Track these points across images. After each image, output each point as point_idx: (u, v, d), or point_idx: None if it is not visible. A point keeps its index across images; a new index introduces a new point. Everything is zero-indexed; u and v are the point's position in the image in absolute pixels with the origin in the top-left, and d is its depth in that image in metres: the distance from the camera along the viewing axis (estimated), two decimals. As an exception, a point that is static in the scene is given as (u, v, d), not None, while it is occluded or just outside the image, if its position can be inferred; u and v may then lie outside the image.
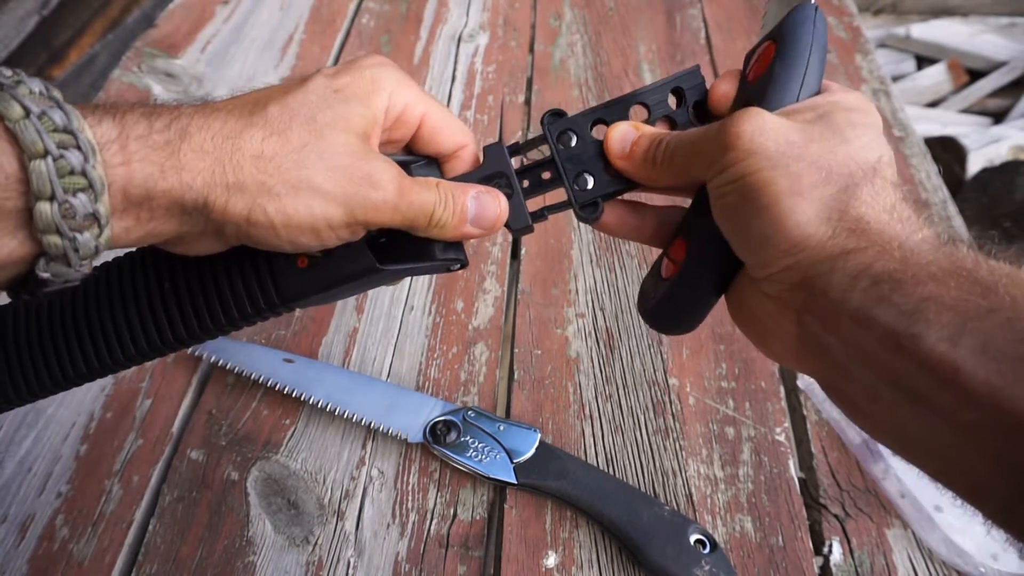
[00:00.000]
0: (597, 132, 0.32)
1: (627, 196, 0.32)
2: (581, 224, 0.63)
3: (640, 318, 0.56)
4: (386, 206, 0.28)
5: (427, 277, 0.58)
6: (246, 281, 0.30)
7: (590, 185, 0.31)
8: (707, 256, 0.28)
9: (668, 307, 0.30)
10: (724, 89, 0.30)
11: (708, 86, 0.31)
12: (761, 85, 0.28)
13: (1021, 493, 0.19)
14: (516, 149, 0.32)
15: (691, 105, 0.31)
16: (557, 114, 0.32)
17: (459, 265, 0.31)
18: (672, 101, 0.32)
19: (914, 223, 0.24)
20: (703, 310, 0.30)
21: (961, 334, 0.20)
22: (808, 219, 0.24)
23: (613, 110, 0.32)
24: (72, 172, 0.22)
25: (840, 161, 0.25)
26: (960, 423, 0.20)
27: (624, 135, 0.31)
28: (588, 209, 0.31)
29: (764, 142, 0.25)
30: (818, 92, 0.28)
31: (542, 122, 0.32)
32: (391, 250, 0.30)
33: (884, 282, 0.22)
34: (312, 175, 0.27)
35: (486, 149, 0.32)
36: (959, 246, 0.23)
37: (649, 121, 0.32)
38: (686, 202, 0.31)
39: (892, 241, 0.23)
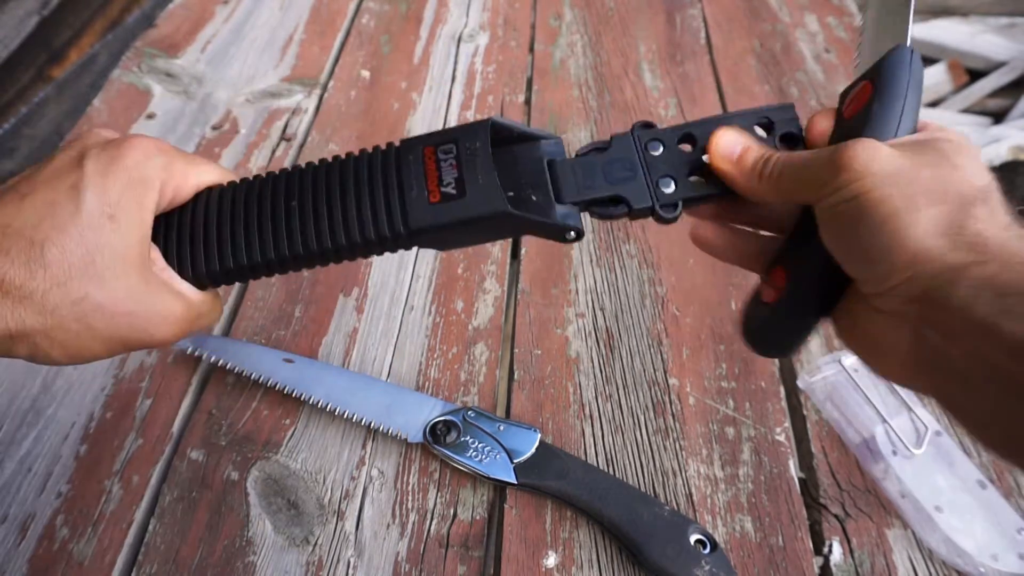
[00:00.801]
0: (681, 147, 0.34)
1: (738, 225, 0.34)
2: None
3: (640, 318, 0.56)
4: (165, 343, 0.31)
5: (427, 276, 0.58)
6: (375, 206, 0.31)
7: (671, 189, 0.32)
8: (812, 280, 0.29)
9: (774, 331, 0.32)
10: (823, 126, 0.32)
11: (801, 123, 0.33)
12: (859, 122, 0.29)
13: None
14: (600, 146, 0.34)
15: (779, 136, 0.33)
16: (647, 125, 0.34)
17: (575, 235, 0.32)
18: (759, 130, 0.33)
19: None
20: (808, 332, 0.31)
21: None
22: (927, 232, 0.25)
23: (703, 128, 0.33)
24: None
25: (952, 184, 0.26)
26: None
27: (734, 141, 0.32)
28: (667, 209, 0.32)
29: (879, 165, 0.26)
30: (914, 131, 0.29)
31: (632, 131, 0.33)
32: (519, 202, 0.31)
33: (1010, 295, 0.22)
34: (93, 325, 0.29)
35: (615, 138, 0.33)
36: None
37: None
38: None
39: (1014, 256, 0.24)
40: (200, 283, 0.33)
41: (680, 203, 0.32)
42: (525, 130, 0.33)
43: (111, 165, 0.30)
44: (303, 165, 0.33)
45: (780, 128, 0.33)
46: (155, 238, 0.32)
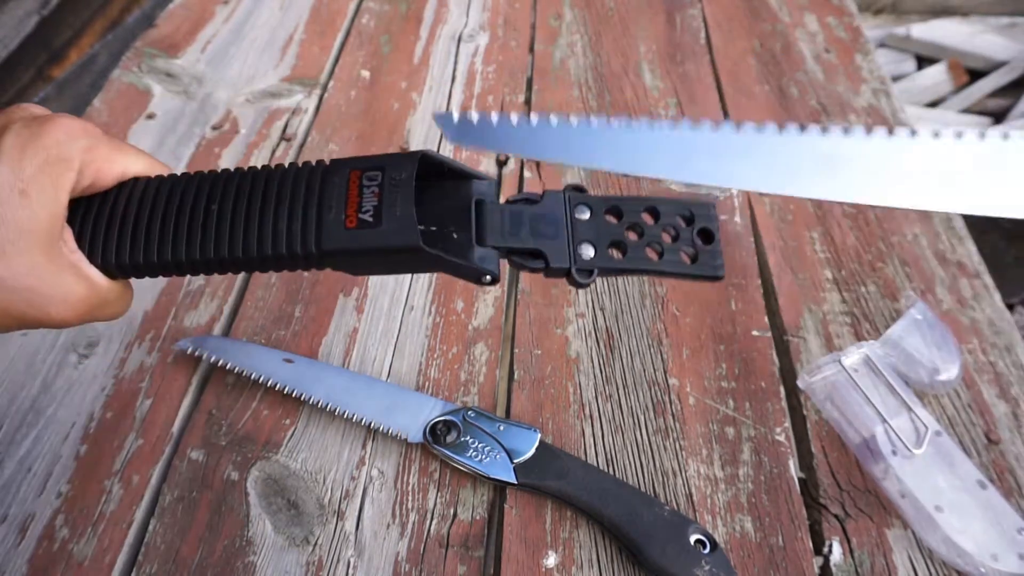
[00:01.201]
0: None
1: None
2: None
3: (640, 318, 0.56)
4: (63, 324, 0.31)
5: (427, 277, 0.58)
6: (290, 221, 0.31)
7: (590, 255, 0.33)
8: None
9: None
10: None
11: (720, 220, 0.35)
12: None
13: None
14: (530, 199, 0.35)
15: (697, 230, 0.34)
16: (578, 189, 0.34)
17: (490, 279, 0.32)
18: (679, 220, 0.35)
19: None
20: None
21: None
22: None
23: (631, 205, 0.34)
24: None
25: None
26: None
27: None
28: (582, 274, 0.33)
29: None
30: None
31: (564, 191, 0.34)
32: (437, 238, 0.31)
33: None
34: None
35: (547, 193, 0.34)
36: None
37: (655, 228, 0.34)
38: None
39: None
40: (109, 272, 0.33)
41: (596, 271, 0.33)
42: (458, 167, 0.33)
43: (31, 141, 0.30)
44: (233, 169, 0.33)
45: (699, 223, 0.34)
46: (70, 220, 0.32)
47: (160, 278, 0.34)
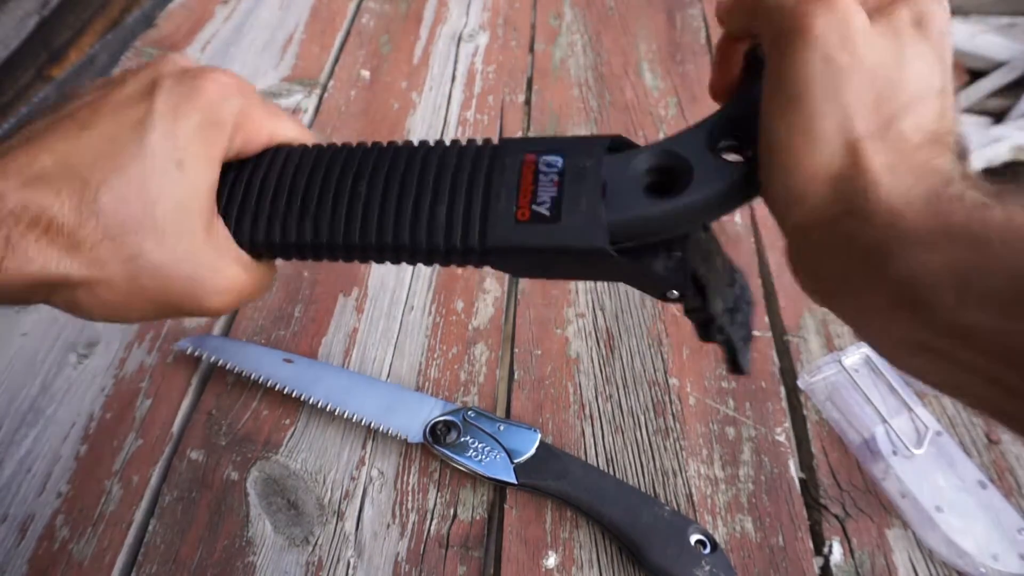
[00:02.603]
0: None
1: None
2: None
3: (640, 318, 0.56)
4: (216, 313, 0.28)
5: (427, 276, 0.58)
6: (452, 210, 0.26)
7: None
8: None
9: None
10: None
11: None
12: None
13: None
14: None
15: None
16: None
17: (677, 295, 0.27)
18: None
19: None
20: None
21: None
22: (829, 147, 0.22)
23: (740, 279, 0.31)
24: None
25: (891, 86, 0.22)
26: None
27: None
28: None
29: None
30: None
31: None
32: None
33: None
34: (145, 285, 0.26)
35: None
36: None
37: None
38: None
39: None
40: (255, 251, 0.29)
41: (721, 333, 0.30)
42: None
43: (184, 102, 0.26)
44: (388, 143, 0.29)
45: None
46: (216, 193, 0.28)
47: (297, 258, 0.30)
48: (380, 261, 0.29)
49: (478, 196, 0.26)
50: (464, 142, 0.28)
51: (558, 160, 0.26)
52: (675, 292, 0.26)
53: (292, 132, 0.30)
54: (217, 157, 0.27)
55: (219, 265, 0.27)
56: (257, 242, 0.29)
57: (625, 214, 0.24)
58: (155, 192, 0.25)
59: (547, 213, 0.25)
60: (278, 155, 0.29)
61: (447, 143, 0.28)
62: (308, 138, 0.31)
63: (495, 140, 0.28)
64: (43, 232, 0.24)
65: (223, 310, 0.28)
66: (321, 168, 0.29)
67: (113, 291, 0.25)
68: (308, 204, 0.28)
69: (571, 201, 0.25)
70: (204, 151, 0.26)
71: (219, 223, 0.28)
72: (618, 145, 0.26)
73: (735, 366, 0.30)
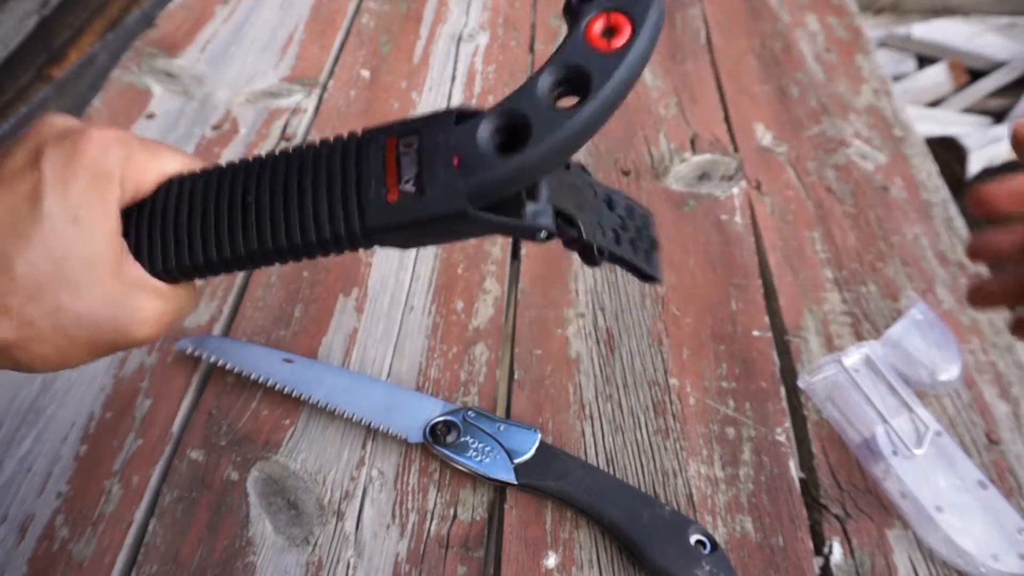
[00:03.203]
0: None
1: None
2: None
3: (640, 318, 0.56)
4: (148, 342, 0.31)
5: (427, 277, 0.58)
6: (331, 203, 0.29)
7: (600, 236, 0.32)
8: None
9: None
10: None
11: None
12: None
13: None
14: None
15: (650, 236, 0.34)
16: (584, 170, 0.33)
17: (546, 235, 0.29)
18: (641, 222, 0.35)
19: None
20: None
21: None
22: None
23: (617, 199, 0.34)
24: None
25: None
26: None
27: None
28: (600, 253, 0.32)
29: None
30: None
31: (583, 169, 0.33)
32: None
33: None
34: (72, 335, 0.28)
35: (573, 165, 0.32)
36: None
37: (630, 224, 0.34)
38: None
39: None
40: (171, 278, 0.32)
41: (606, 253, 0.32)
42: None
43: (69, 162, 0.28)
44: (265, 155, 0.32)
45: (651, 230, 0.35)
46: (124, 235, 0.31)
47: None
48: (283, 262, 0.31)
49: (352, 185, 0.29)
50: (332, 139, 0.31)
51: (414, 139, 0.29)
52: (544, 232, 0.29)
53: (178, 164, 0.33)
54: (112, 205, 0.29)
55: (136, 302, 0.30)
56: (169, 269, 0.31)
57: (480, 176, 0.27)
58: (60, 251, 0.27)
59: (412, 189, 0.28)
60: (172, 187, 0.32)
61: (319, 143, 0.31)
62: (195, 164, 0.33)
63: (358, 132, 0.30)
64: None
65: (154, 337, 0.31)
66: (212, 188, 0.31)
67: (46, 345, 0.28)
68: (206, 223, 0.31)
69: (431, 174, 0.28)
70: (98, 204, 0.29)
71: (129, 262, 0.30)
72: (464, 115, 0.29)
73: (642, 276, 0.33)
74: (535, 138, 0.26)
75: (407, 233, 0.29)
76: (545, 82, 0.27)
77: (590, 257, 0.32)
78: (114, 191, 0.29)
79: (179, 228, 0.31)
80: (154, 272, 0.31)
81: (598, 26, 0.26)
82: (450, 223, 0.28)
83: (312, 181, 0.30)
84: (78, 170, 0.28)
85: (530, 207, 0.29)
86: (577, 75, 0.26)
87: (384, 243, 0.30)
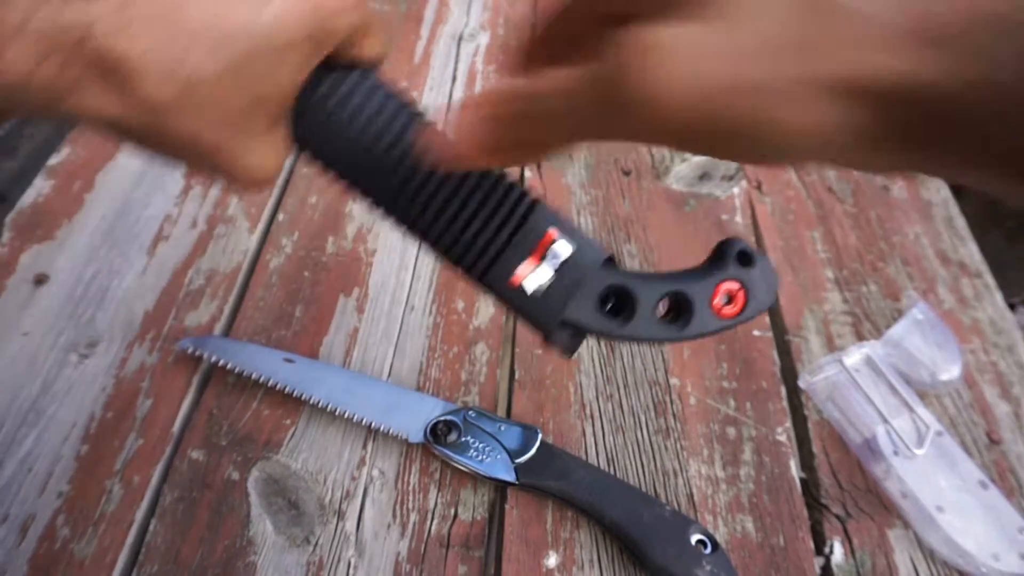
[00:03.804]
0: None
1: None
2: (582, 224, 0.63)
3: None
4: (236, 171, 0.27)
5: (428, 277, 0.58)
6: (478, 235, 0.30)
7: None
8: None
9: None
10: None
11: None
12: None
13: None
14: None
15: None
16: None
17: (568, 356, 0.31)
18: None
19: None
20: None
21: None
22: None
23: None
24: None
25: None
26: None
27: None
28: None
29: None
30: None
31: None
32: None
33: None
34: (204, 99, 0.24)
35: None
36: None
37: None
38: None
39: None
40: (298, 148, 0.30)
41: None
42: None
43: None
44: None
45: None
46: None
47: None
48: (397, 227, 0.31)
49: (501, 238, 0.30)
50: (508, 181, 0.31)
51: (567, 251, 0.30)
52: (566, 353, 0.31)
53: (378, 47, 0.30)
54: (314, 59, 0.27)
55: (259, 126, 0.27)
56: (307, 144, 0.30)
57: (578, 318, 0.29)
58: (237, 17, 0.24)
59: (531, 290, 0.30)
60: (368, 83, 0.31)
61: (496, 174, 0.31)
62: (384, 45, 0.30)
63: (528, 197, 0.31)
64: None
65: (258, 173, 0.28)
66: (391, 123, 0.31)
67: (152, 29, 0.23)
68: (372, 152, 0.30)
69: (553, 291, 0.30)
70: (305, 46, 0.26)
71: (284, 87, 0.27)
72: (610, 260, 0.31)
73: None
74: (632, 326, 0.29)
75: (502, 302, 0.30)
76: (662, 289, 0.29)
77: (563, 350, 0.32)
78: (323, 49, 0.27)
79: (347, 128, 0.30)
80: (293, 135, 0.30)
81: (725, 289, 0.29)
82: (529, 322, 0.30)
83: (478, 200, 0.30)
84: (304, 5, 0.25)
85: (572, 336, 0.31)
86: (687, 308, 0.29)
87: (481, 289, 0.31)
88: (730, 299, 0.29)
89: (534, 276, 0.30)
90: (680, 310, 0.29)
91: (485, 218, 0.30)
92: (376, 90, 0.31)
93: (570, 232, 0.30)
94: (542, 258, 0.30)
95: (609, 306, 0.30)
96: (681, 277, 0.30)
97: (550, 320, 0.30)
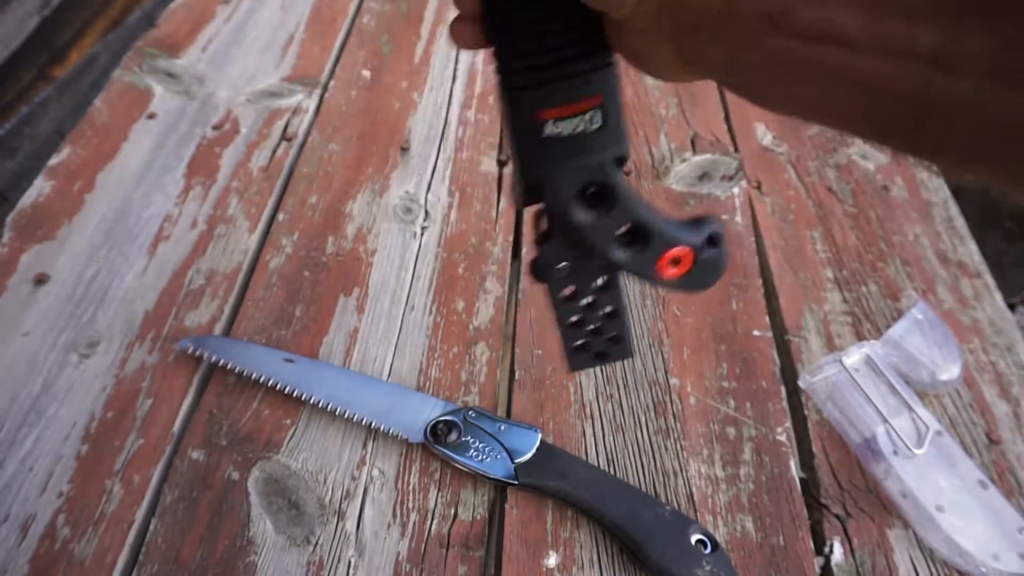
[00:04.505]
0: None
1: None
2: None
3: (641, 317, 0.56)
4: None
5: (428, 277, 0.58)
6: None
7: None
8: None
9: None
10: None
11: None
12: None
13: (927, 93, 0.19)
14: None
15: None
16: None
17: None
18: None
19: None
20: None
21: None
22: None
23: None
24: None
25: None
26: (853, 70, 0.21)
27: None
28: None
29: None
30: None
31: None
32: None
33: None
34: None
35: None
36: None
37: None
38: None
39: None
40: None
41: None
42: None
43: None
44: None
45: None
46: None
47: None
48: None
49: (561, 71, 0.28)
50: None
51: (598, 123, 0.29)
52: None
53: None
54: None
55: None
56: None
57: (558, 186, 0.29)
58: None
59: (544, 134, 0.28)
60: None
61: None
62: None
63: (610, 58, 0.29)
64: None
65: None
66: None
67: None
68: None
69: (558, 143, 0.28)
70: None
71: None
72: (620, 158, 0.30)
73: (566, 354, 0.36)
74: (589, 227, 0.29)
75: (512, 126, 0.29)
76: (637, 212, 0.29)
77: (537, 270, 0.32)
78: None
79: None
80: None
81: (676, 252, 0.29)
82: (522, 165, 0.29)
83: (563, 23, 0.28)
84: None
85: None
86: (645, 238, 0.29)
87: (507, 109, 0.29)
88: (677, 262, 0.30)
89: (559, 123, 0.28)
90: (636, 239, 0.29)
91: (563, 42, 0.28)
92: None
93: (615, 110, 0.29)
94: (576, 114, 0.28)
95: (589, 194, 0.29)
96: (656, 218, 0.29)
97: (538, 168, 0.28)
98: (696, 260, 0.30)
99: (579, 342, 0.35)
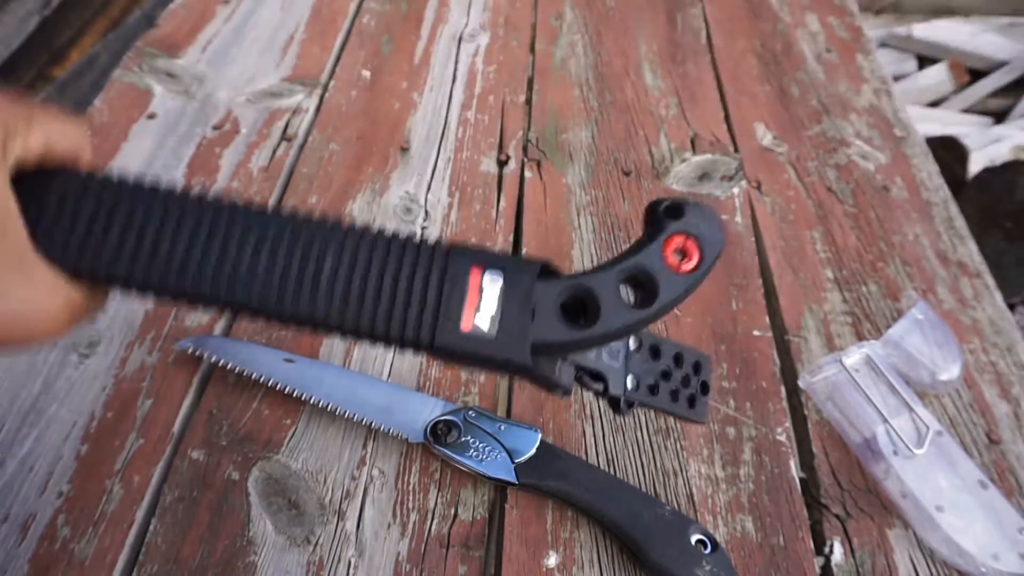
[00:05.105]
0: None
1: None
2: (582, 224, 0.63)
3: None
4: (48, 337, 0.26)
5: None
6: (408, 306, 0.29)
7: (632, 388, 0.34)
8: None
9: None
10: None
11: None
12: None
13: None
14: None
15: (700, 380, 0.36)
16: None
17: (563, 394, 0.32)
18: (691, 369, 0.36)
19: None
20: None
21: None
22: None
23: (666, 348, 0.36)
24: None
25: None
26: None
27: None
28: (627, 406, 0.34)
29: None
30: None
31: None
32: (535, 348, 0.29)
33: None
34: None
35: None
36: None
37: (678, 372, 0.35)
38: None
39: None
40: (76, 275, 0.28)
41: (636, 404, 0.34)
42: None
43: None
44: (297, 212, 0.30)
45: (703, 375, 0.36)
46: (24, 210, 0.27)
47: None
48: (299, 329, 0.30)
49: (434, 298, 0.29)
50: (403, 237, 0.30)
51: (499, 278, 0.29)
52: (561, 392, 0.31)
53: (67, 141, 0.28)
54: (3, 173, 0.25)
55: (36, 294, 0.26)
56: (90, 270, 0.28)
57: (545, 336, 0.29)
58: None
59: (486, 328, 0.29)
60: (124, 186, 0.29)
61: (389, 234, 0.30)
62: (87, 150, 0.29)
63: (444, 244, 0.30)
64: None
65: (57, 334, 0.27)
66: (187, 215, 0.28)
67: None
68: (189, 251, 0.28)
69: (506, 320, 0.29)
70: None
71: (22, 241, 0.26)
72: (547, 270, 0.30)
73: (684, 419, 0.37)
74: (603, 322, 0.29)
75: (465, 360, 0.29)
76: (618, 275, 0.29)
77: (616, 408, 0.34)
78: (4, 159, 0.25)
79: (142, 237, 0.28)
80: (64, 263, 0.28)
81: (673, 245, 0.29)
82: (505, 367, 0.29)
83: (392, 275, 0.29)
84: None
85: (560, 364, 0.31)
86: (648, 281, 0.29)
87: (438, 358, 0.30)
88: (684, 254, 0.29)
89: (481, 315, 0.29)
90: (645, 288, 0.29)
91: (405, 290, 0.28)
92: (106, 183, 0.29)
93: (493, 259, 0.29)
94: (479, 297, 0.29)
95: (574, 313, 0.29)
96: (629, 254, 0.29)
97: (521, 351, 0.28)
98: (690, 233, 0.29)
99: (683, 397, 0.36)
